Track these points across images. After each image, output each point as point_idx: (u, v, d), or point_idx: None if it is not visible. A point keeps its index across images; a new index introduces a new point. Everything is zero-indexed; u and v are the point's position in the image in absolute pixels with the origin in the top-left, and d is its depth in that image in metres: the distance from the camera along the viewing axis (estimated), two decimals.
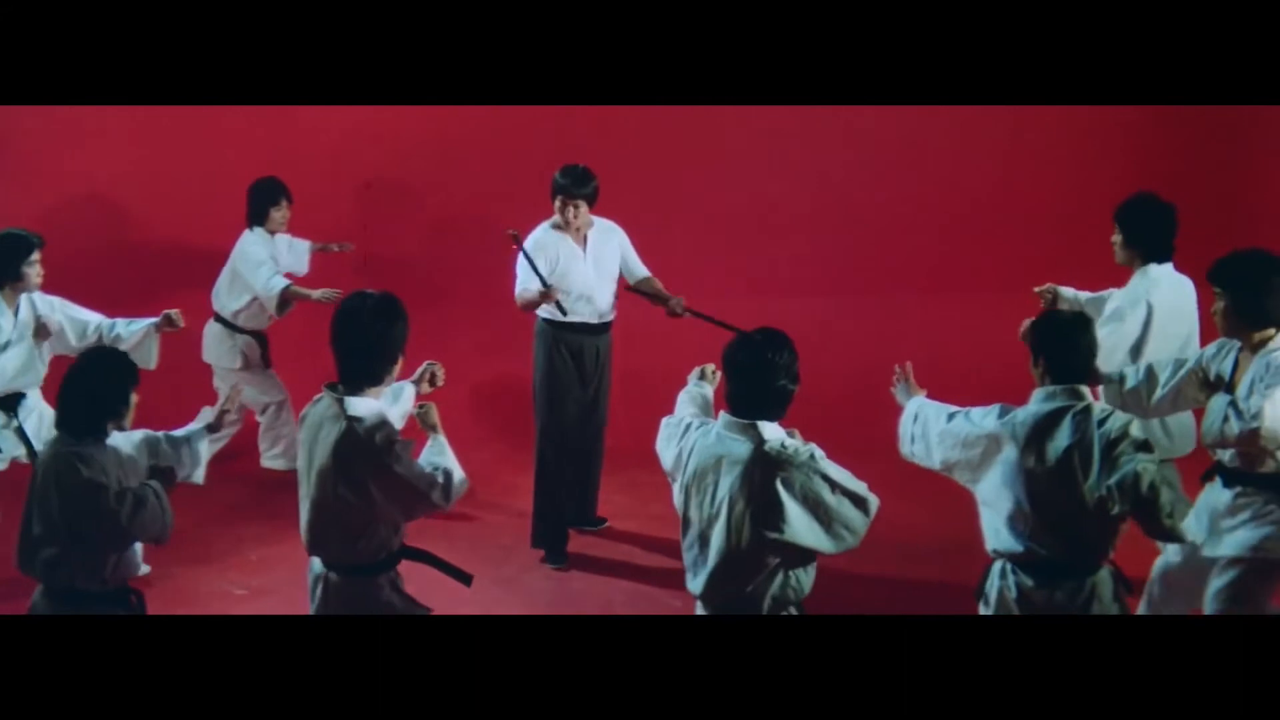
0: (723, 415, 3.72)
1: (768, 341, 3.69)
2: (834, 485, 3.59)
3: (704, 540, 3.66)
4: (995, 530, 3.82)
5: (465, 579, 4.03)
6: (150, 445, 4.25)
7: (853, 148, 7.77)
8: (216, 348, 6.60)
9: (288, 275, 6.61)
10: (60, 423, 3.96)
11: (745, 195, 7.78)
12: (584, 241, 5.70)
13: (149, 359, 5.39)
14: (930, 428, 4.01)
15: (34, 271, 5.25)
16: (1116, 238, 5.06)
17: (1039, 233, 7.82)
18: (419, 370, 4.27)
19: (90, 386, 3.95)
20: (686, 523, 3.73)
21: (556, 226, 5.68)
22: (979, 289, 7.65)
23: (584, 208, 5.61)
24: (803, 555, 3.64)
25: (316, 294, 6.34)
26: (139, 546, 4.13)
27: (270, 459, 6.77)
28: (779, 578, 3.62)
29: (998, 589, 3.83)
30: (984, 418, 3.85)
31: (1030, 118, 7.45)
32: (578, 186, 5.58)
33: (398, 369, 3.90)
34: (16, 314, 5.27)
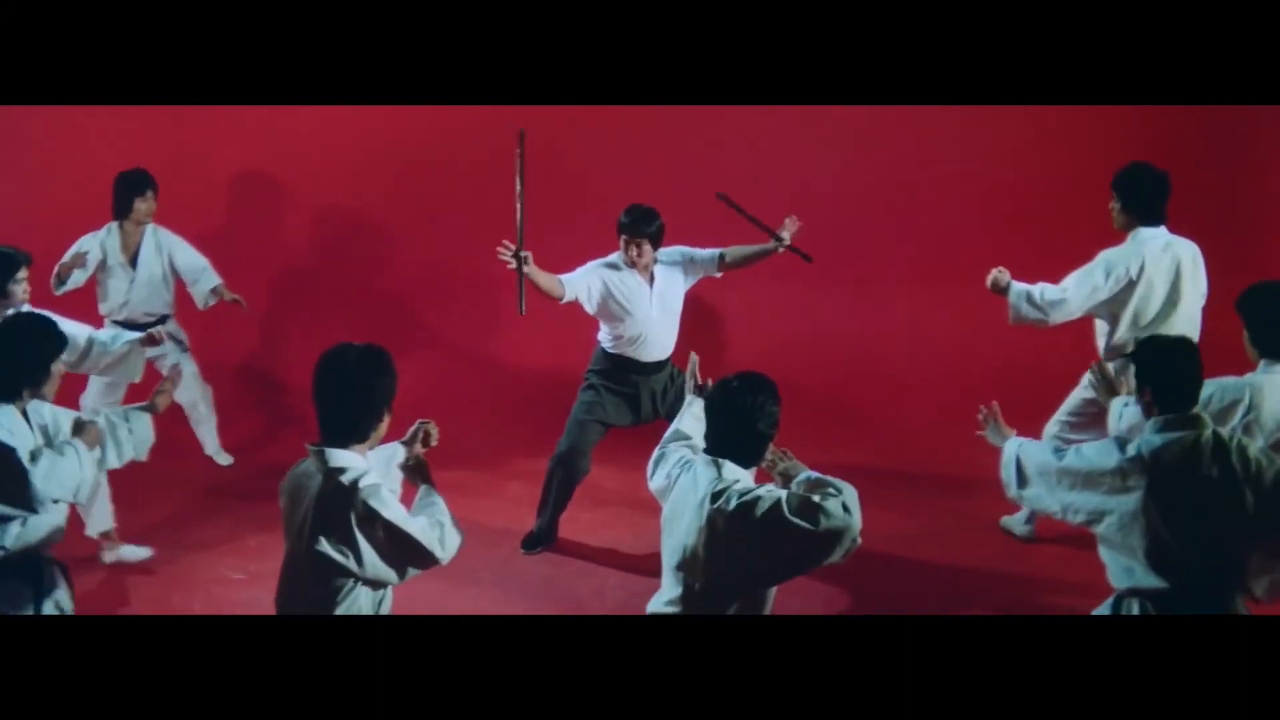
0: (700, 453, 3.76)
1: (745, 387, 3.67)
2: (782, 528, 3.50)
3: (670, 572, 3.69)
4: (1127, 569, 3.70)
5: None
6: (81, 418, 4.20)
7: (849, 145, 7.77)
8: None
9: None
10: None
11: (740, 192, 7.78)
12: (651, 279, 5.59)
13: (134, 373, 5.46)
14: (1041, 468, 3.88)
15: (20, 289, 5.26)
16: (1115, 204, 5.31)
17: (1037, 231, 7.83)
18: (411, 430, 3.93)
19: (10, 350, 3.94)
20: (662, 553, 3.77)
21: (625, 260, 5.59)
22: (978, 284, 7.65)
23: (647, 247, 5.50)
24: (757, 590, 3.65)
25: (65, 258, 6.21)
26: (60, 514, 4.08)
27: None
28: (738, 610, 3.62)
29: None
30: (1102, 454, 3.73)
31: (1028, 117, 7.46)
32: (642, 225, 5.48)
33: (384, 426, 3.59)
34: None
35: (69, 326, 5.48)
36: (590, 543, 5.82)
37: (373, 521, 3.41)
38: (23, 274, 5.27)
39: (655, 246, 5.56)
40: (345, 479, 3.43)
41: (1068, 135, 7.63)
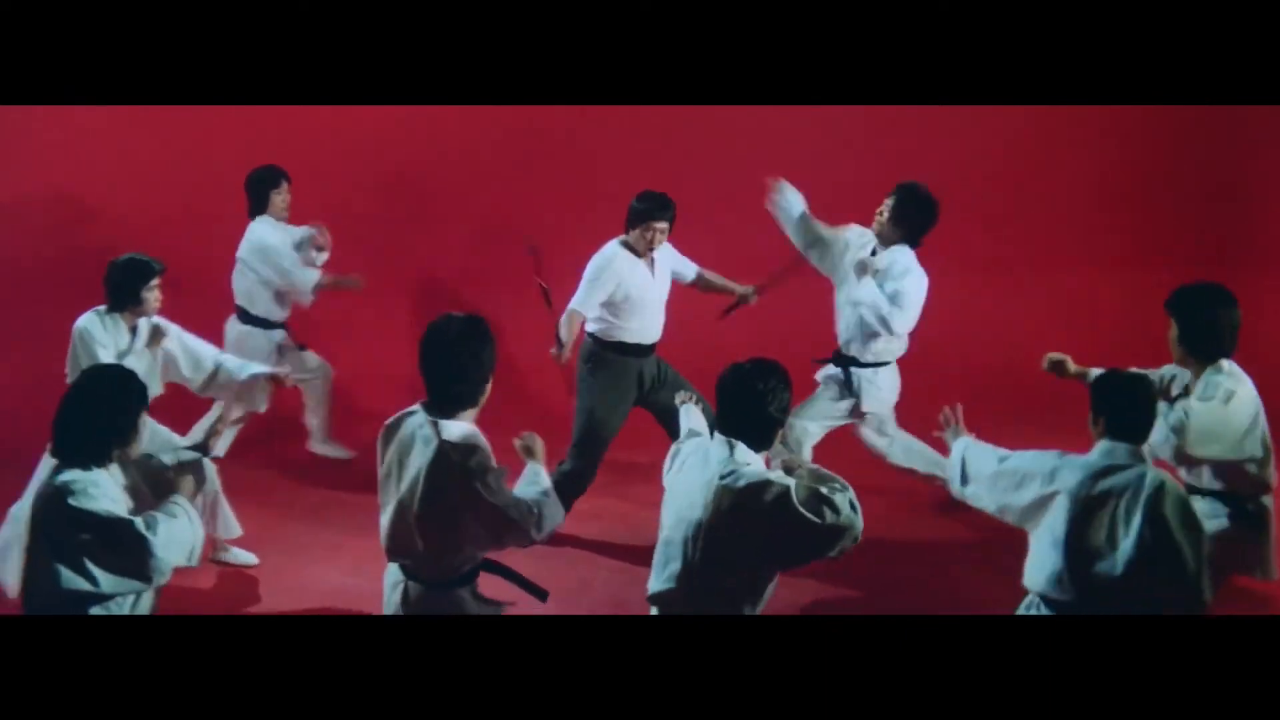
0: (716, 434, 3.77)
1: (756, 371, 3.71)
2: (787, 517, 3.54)
3: (670, 545, 3.71)
4: (1032, 569, 3.86)
5: (541, 595, 4.03)
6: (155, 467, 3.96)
7: (848, 145, 7.77)
8: (245, 345, 6.23)
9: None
10: (58, 450, 3.60)
11: (734, 189, 7.78)
12: (653, 265, 5.62)
13: (257, 403, 5.46)
14: (983, 469, 4.04)
15: (153, 297, 5.21)
16: (884, 212, 5.53)
17: (1036, 230, 7.84)
18: (517, 442, 4.12)
19: (97, 408, 3.61)
20: (661, 527, 3.79)
21: (628, 246, 5.56)
22: (981, 284, 7.65)
23: (667, 227, 5.55)
24: (756, 576, 3.67)
25: (350, 281, 6.37)
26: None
27: (318, 445, 6.68)
28: (733, 590, 3.66)
29: None
30: (1040, 460, 3.88)
31: (1028, 117, 7.46)
32: (663, 210, 5.50)
33: (488, 390, 3.86)
34: (134, 336, 5.25)
35: (197, 346, 5.38)
36: (579, 535, 5.80)
37: (479, 498, 3.66)
38: (155, 282, 5.20)
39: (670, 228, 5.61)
40: (457, 455, 3.66)
41: (1067, 135, 7.63)
